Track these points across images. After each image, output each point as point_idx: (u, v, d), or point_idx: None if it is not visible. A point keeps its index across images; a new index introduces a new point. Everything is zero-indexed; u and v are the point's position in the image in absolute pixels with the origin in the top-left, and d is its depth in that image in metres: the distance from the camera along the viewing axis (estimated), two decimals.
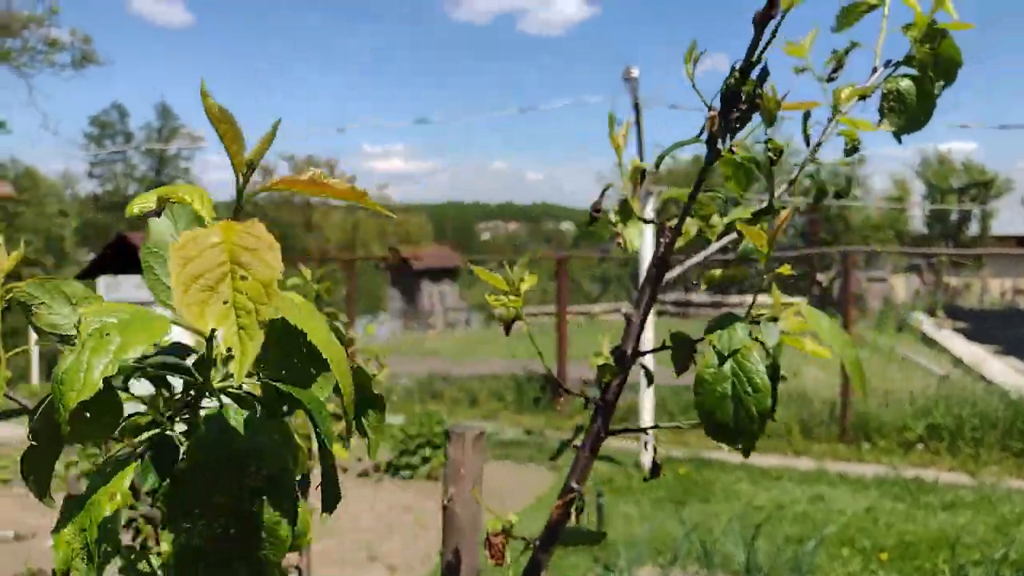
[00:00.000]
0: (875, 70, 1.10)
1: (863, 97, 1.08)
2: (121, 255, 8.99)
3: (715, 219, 0.98)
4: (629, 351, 0.92)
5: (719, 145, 0.85)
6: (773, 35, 0.83)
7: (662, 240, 0.90)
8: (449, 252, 22.49)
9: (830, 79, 1.19)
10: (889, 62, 1.10)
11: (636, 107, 7.22)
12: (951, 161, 20.94)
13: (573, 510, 1.03)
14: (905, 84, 1.04)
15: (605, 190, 0.98)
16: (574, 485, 1.01)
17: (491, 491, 5.12)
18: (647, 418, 7.35)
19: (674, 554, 5.01)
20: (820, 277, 17.40)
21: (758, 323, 0.90)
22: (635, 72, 7.08)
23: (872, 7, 1.16)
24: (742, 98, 0.65)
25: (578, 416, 6.72)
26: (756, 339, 0.87)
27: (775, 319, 0.88)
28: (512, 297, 1.02)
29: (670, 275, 1.00)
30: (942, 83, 1.11)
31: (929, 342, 13.41)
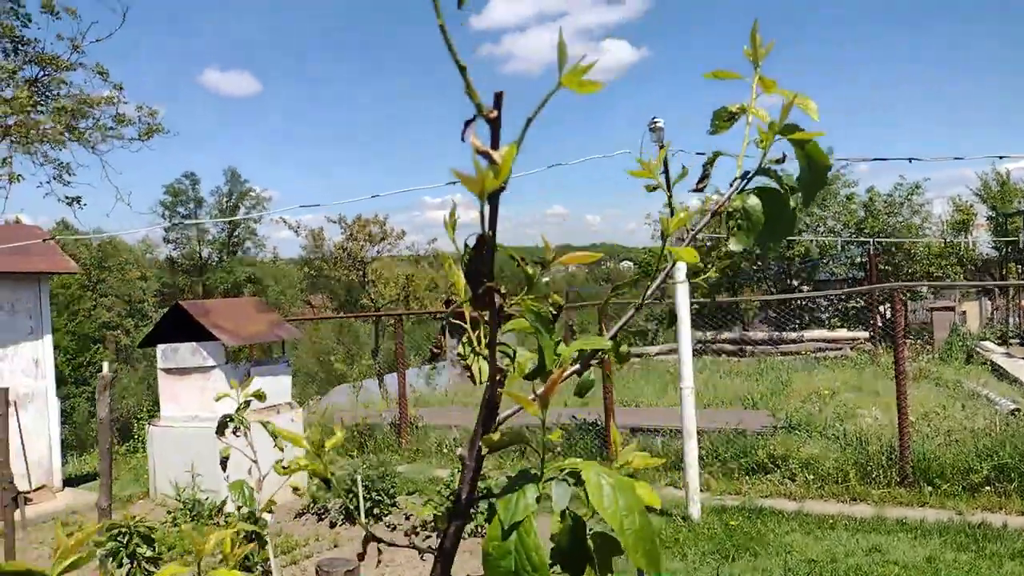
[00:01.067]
0: (732, 183, 1.11)
1: (716, 215, 1.09)
2: (178, 324, 9.34)
3: (561, 348, 1.00)
4: (464, 497, 0.91)
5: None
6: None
7: (496, 379, 0.92)
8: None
9: (698, 189, 1.21)
10: (746, 174, 1.12)
11: (664, 160, 7.23)
12: (1012, 183, 20.15)
13: None
14: (752, 201, 1.05)
15: (445, 325, 1.01)
16: None
17: None
18: (692, 469, 7.20)
19: None
20: (882, 309, 16.85)
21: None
22: (660, 123, 7.13)
23: (733, 116, 1.19)
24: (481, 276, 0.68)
25: (628, 464, 6.65)
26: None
27: (571, 477, 0.87)
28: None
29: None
30: (807, 192, 1.12)
31: (1000, 373, 12.79)
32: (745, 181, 1.10)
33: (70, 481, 10.00)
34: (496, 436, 0.85)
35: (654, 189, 1.12)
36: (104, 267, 37.53)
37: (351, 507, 7.66)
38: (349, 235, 18.05)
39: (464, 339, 1.05)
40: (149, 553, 3.67)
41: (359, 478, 7.57)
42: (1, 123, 13.61)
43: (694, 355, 7.59)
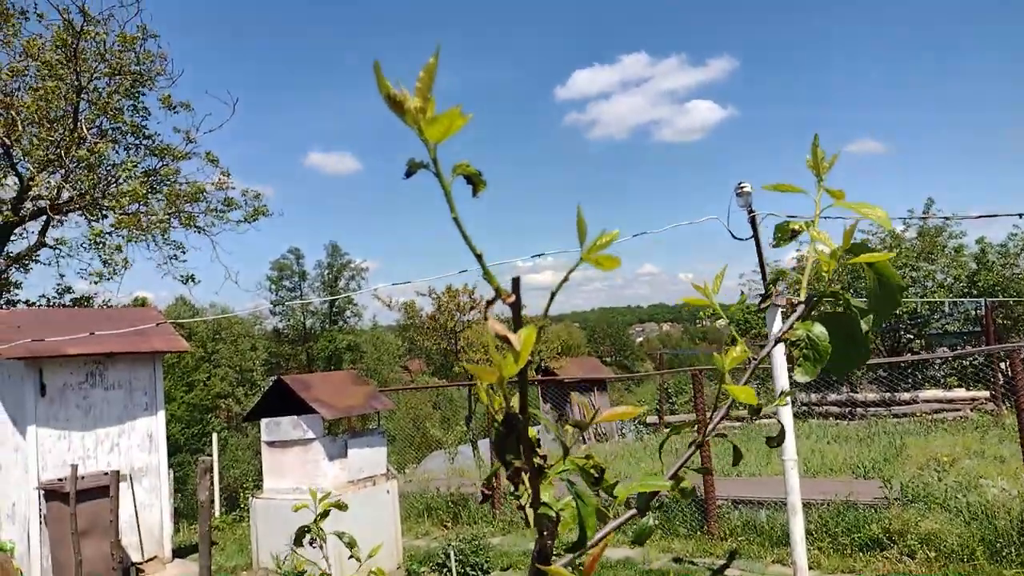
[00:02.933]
0: (795, 308, 1.08)
1: (780, 342, 1.06)
2: (280, 397, 9.67)
3: (619, 490, 0.98)
4: None
5: None
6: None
7: (545, 533, 0.90)
8: (596, 363, 22.39)
9: (760, 309, 1.18)
10: (809, 299, 1.08)
11: (752, 221, 7.12)
12: None
13: None
14: (817, 330, 1.02)
15: (492, 474, 1.01)
16: None
17: None
18: (799, 547, 6.82)
19: None
20: (1004, 365, 15.71)
21: None
22: (747, 187, 7.03)
23: (795, 233, 1.16)
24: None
25: (730, 539, 6.46)
26: None
27: None
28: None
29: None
30: (879, 313, 1.08)
31: None
32: (809, 308, 1.06)
33: (180, 551, 10.37)
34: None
35: (717, 317, 1.09)
36: (218, 338, 39.51)
37: None
38: (439, 307, 18.39)
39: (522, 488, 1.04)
40: None
41: (452, 552, 7.54)
42: (119, 213, 14.68)
43: (798, 418, 7.28)
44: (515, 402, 0.68)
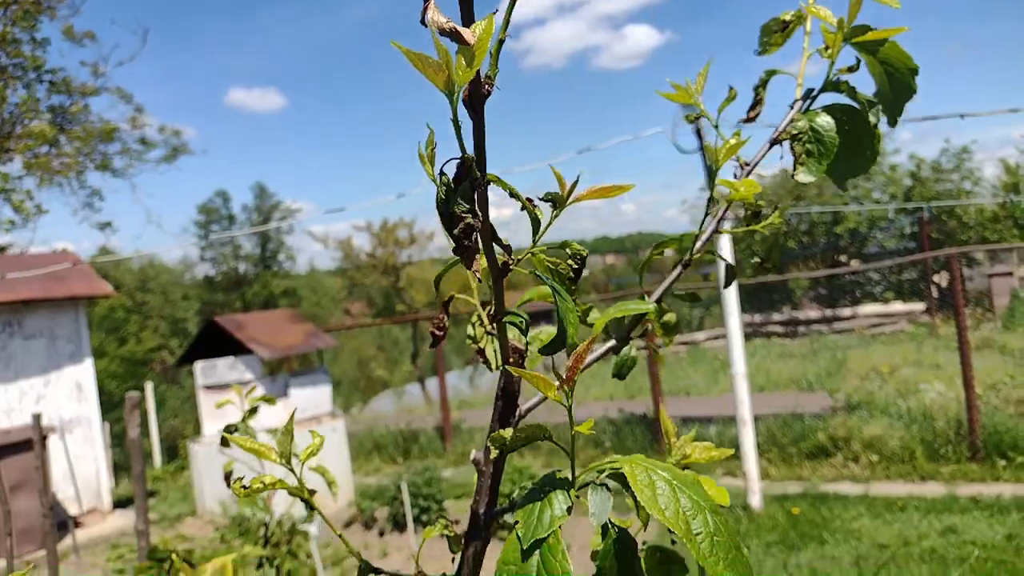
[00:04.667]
0: (792, 105, 0.87)
1: (777, 143, 0.85)
2: (214, 340, 9.29)
3: (594, 315, 0.76)
4: (482, 512, 0.70)
5: None
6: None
7: (510, 364, 0.68)
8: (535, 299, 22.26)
9: (750, 119, 0.96)
10: (809, 92, 0.87)
11: (698, 132, 6.94)
12: None
13: None
14: (822, 120, 0.81)
15: (448, 302, 0.78)
16: None
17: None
18: (750, 457, 6.88)
19: None
20: (937, 279, 16.18)
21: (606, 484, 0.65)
22: None
23: (787, 25, 0.93)
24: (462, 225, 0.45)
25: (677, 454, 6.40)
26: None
27: (613, 480, 0.64)
28: None
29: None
30: (892, 107, 0.86)
31: None
32: (810, 99, 0.85)
33: (121, 503, 10.03)
34: (507, 433, 0.62)
35: (695, 119, 0.86)
36: (147, 289, 38.13)
37: (399, 516, 7.51)
38: (377, 242, 17.91)
39: (474, 317, 0.82)
40: None
41: (404, 485, 7.41)
42: (27, 156, 13.76)
43: (744, 338, 7.25)
44: (470, 144, 0.44)
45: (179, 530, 8.41)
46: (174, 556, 1.15)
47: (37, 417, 4.62)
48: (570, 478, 0.64)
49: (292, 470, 0.83)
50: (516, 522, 0.60)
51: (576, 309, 0.60)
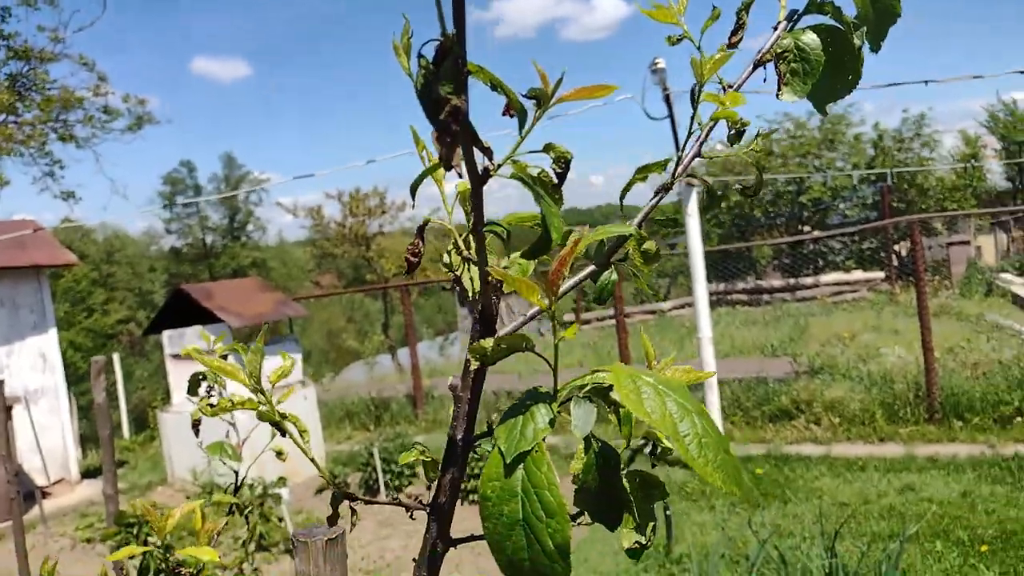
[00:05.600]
0: (776, 27, 0.89)
1: (760, 64, 0.87)
2: (182, 309, 9.18)
3: (574, 237, 0.78)
4: (459, 438, 0.71)
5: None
6: None
7: (490, 280, 0.70)
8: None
9: (731, 44, 0.98)
10: (794, 13, 0.89)
11: (667, 99, 6.96)
12: (1021, 111, 19.62)
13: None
14: (807, 38, 0.83)
15: (424, 226, 0.79)
16: None
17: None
18: (715, 416, 7.01)
19: (751, 563, 4.70)
20: (897, 248, 16.50)
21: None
22: (661, 63, 6.83)
23: None
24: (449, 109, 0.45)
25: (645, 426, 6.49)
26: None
27: (599, 391, 0.65)
28: None
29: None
30: (875, 30, 0.89)
31: (1023, 304, 12.52)
32: (794, 21, 0.87)
33: (90, 473, 9.94)
34: (487, 343, 0.64)
35: (677, 41, 0.88)
36: (112, 260, 37.47)
37: (371, 481, 7.55)
38: (349, 211, 17.73)
39: (450, 245, 0.83)
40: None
41: (376, 451, 7.45)
42: None
43: (710, 307, 7.38)
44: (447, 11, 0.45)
45: (150, 498, 8.38)
46: (143, 504, 1.16)
47: (0, 383, 4.56)
48: (552, 392, 0.66)
49: (261, 390, 0.85)
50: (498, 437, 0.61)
51: (558, 212, 0.61)
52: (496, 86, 0.54)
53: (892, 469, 6.58)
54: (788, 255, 17.97)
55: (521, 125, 0.57)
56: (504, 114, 0.57)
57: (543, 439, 0.60)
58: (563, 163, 0.64)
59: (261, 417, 0.82)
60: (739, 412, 8.47)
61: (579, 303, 21.63)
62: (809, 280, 16.99)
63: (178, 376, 8.85)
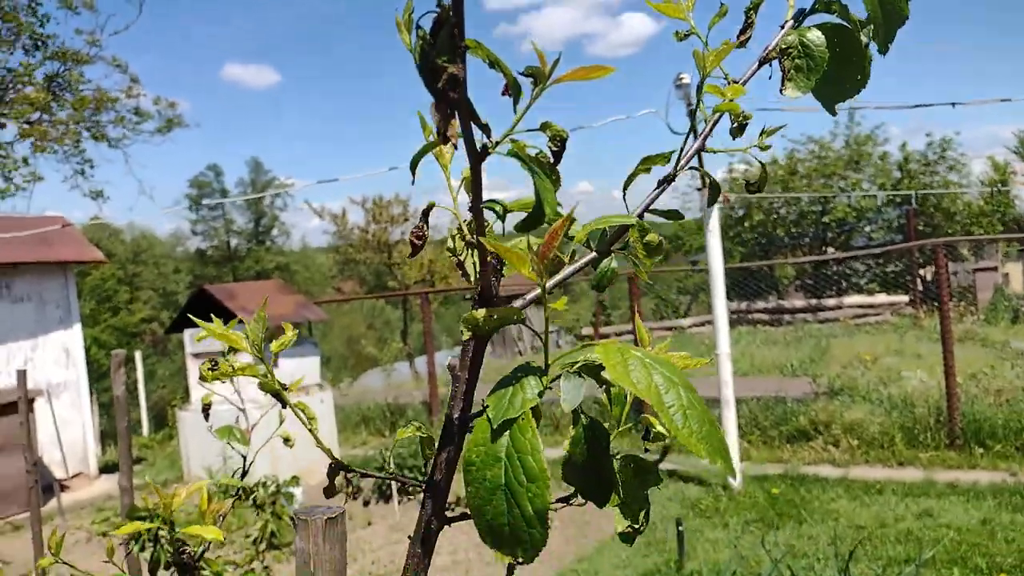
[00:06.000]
0: (784, 25, 0.90)
1: (766, 62, 0.88)
2: (204, 309, 9.29)
3: (575, 230, 0.79)
4: (456, 416, 0.72)
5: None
6: None
7: (488, 259, 0.71)
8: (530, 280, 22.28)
9: (740, 44, 0.99)
10: (801, 12, 0.90)
11: (691, 114, 6.95)
12: None
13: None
14: (812, 35, 0.84)
15: (428, 210, 0.80)
16: None
17: (574, 522, 4.88)
18: (731, 436, 6.96)
19: None
20: (923, 272, 16.31)
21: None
22: (686, 78, 6.83)
23: None
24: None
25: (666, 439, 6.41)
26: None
27: (589, 369, 0.66)
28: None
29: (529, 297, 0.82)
30: (884, 31, 0.90)
31: None
32: (801, 19, 0.88)
33: (108, 468, 10.05)
34: (480, 313, 0.65)
35: (684, 36, 0.90)
36: (139, 260, 38.01)
37: (384, 485, 7.57)
38: (372, 217, 17.84)
39: (454, 228, 0.85)
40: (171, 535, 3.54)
41: (391, 456, 7.47)
42: (21, 123, 13.65)
43: (729, 325, 7.31)
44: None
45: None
46: (149, 481, 1.18)
47: (22, 373, 4.64)
48: (544, 366, 0.67)
49: (262, 359, 0.86)
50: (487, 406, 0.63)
51: (552, 188, 0.62)
52: (494, 63, 0.55)
53: (910, 494, 6.48)
54: (811, 276, 17.82)
55: (516, 102, 0.58)
56: (503, 94, 0.59)
57: (530, 409, 0.61)
58: (559, 141, 0.65)
59: (263, 387, 0.84)
60: (756, 431, 8.40)
61: (598, 317, 21.58)
62: (832, 302, 16.83)
63: (194, 373, 8.95)
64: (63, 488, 8.72)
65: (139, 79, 14.98)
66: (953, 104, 6.05)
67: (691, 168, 0.84)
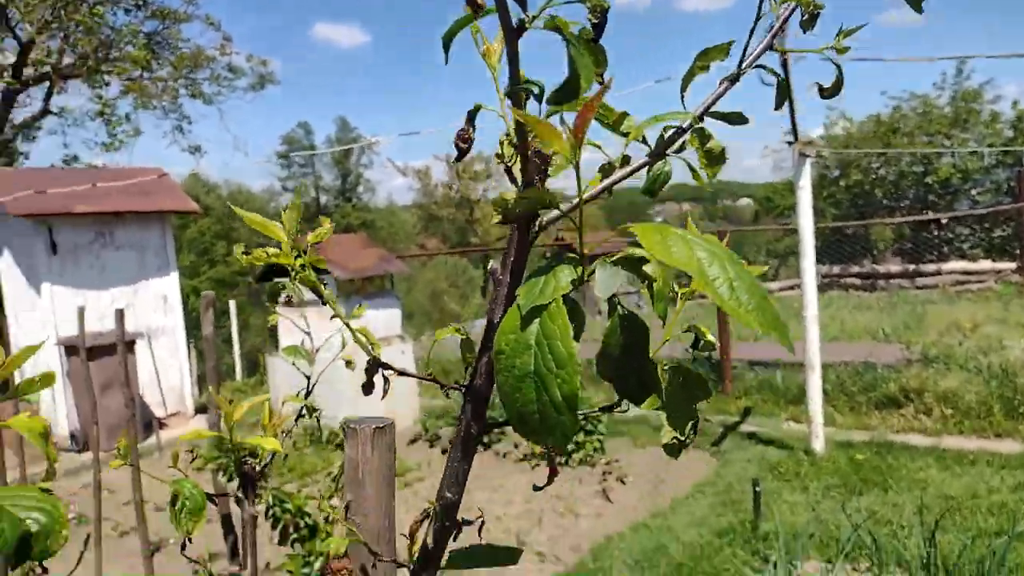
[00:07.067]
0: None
1: None
2: None
3: (628, 122, 0.75)
4: (496, 320, 0.69)
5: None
6: None
7: (529, 168, 0.67)
8: (613, 236, 22.11)
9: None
10: None
11: (784, 64, 6.66)
12: None
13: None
14: None
15: (475, 112, 0.77)
16: (447, 494, 0.82)
17: (648, 479, 4.88)
18: (815, 400, 6.76)
19: (841, 547, 4.52)
20: None
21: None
22: None
23: None
24: None
25: (745, 398, 6.32)
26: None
27: (629, 261, 0.61)
28: None
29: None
30: None
31: None
32: None
33: (203, 409, 10.59)
34: (509, 195, 0.62)
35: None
36: (235, 215, 39.47)
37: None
38: (455, 174, 17.95)
39: (502, 136, 0.82)
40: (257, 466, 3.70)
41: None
42: (124, 79, 14.23)
43: (820, 290, 7.03)
44: None
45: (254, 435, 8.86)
46: (219, 399, 1.22)
47: (120, 312, 4.90)
48: (579, 255, 0.63)
49: (296, 246, 0.86)
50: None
51: (588, 59, 0.58)
52: None
53: (1007, 466, 6.16)
54: (910, 240, 16.95)
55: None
56: None
57: (561, 296, 0.58)
58: (599, 13, 0.61)
59: (298, 280, 0.84)
60: (843, 397, 8.13)
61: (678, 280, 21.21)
62: (931, 267, 15.99)
63: (286, 322, 9.26)
64: (162, 425, 9.24)
65: (231, 37, 15.38)
66: None
67: (758, 66, 0.78)
